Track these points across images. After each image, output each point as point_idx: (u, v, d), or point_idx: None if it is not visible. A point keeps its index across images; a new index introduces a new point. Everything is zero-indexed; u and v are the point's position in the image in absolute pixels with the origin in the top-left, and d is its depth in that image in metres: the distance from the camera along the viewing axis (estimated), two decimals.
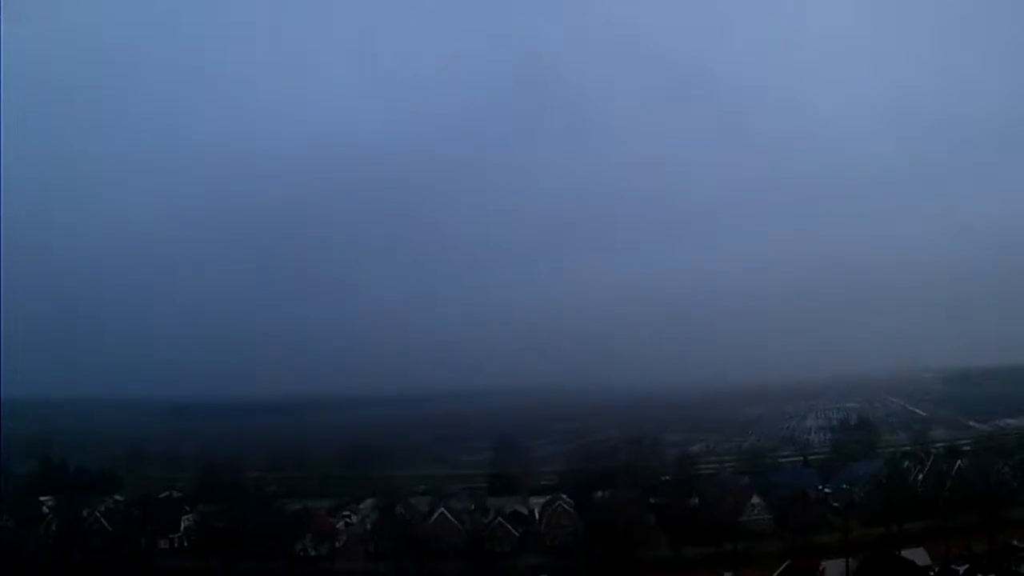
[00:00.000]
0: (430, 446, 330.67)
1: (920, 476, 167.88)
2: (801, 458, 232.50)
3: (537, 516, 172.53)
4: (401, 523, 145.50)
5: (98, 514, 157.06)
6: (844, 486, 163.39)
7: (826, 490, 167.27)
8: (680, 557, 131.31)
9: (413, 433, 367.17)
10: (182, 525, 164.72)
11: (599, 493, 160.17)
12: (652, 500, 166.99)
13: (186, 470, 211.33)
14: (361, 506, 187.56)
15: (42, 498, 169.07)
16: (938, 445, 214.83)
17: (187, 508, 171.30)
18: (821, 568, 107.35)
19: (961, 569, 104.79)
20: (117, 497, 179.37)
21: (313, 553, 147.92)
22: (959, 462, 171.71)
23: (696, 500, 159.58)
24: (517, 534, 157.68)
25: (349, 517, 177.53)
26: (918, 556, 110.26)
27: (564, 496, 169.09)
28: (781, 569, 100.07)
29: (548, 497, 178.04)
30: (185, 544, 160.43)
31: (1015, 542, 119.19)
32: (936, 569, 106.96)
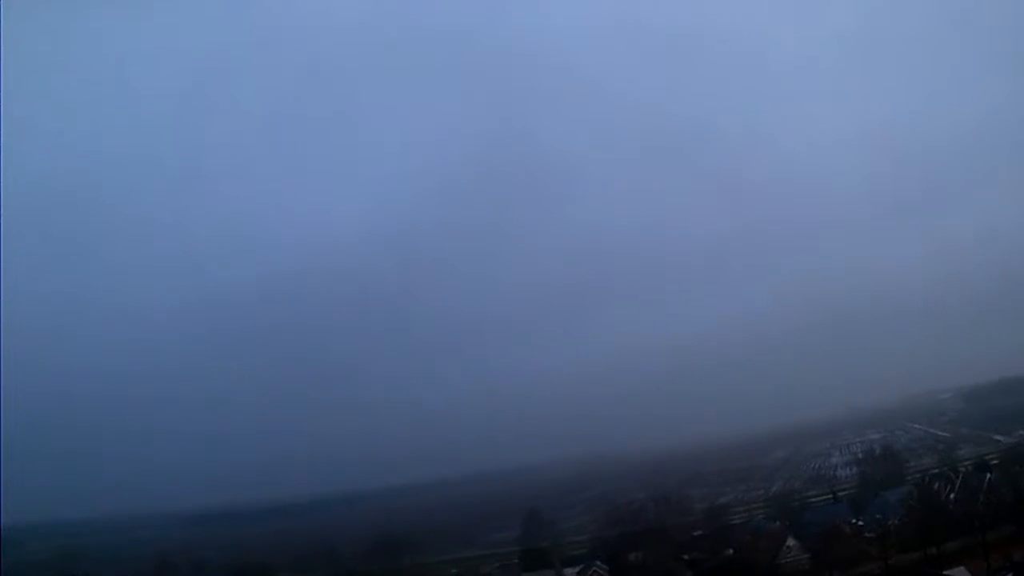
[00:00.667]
0: (458, 529, 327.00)
1: (951, 495, 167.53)
2: (830, 495, 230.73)
3: None
4: None
5: None
6: (877, 516, 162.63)
7: (859, 523, 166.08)
8: None
9: (439, 518, 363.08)
10: None
11: (632, 555, 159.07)
12: (686, 556, 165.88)
13: None
14: None
15: None
16: (966, 463, 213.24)
17: None
18: None
19: None
20: None
21: None
22: (988, 476, 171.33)
23: (730, 550, 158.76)
24: None
25: None
26: (959, 575, 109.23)
27: (598, 562, 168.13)
28: None
29: (582, 566, 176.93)
30: None
31: None
32: None
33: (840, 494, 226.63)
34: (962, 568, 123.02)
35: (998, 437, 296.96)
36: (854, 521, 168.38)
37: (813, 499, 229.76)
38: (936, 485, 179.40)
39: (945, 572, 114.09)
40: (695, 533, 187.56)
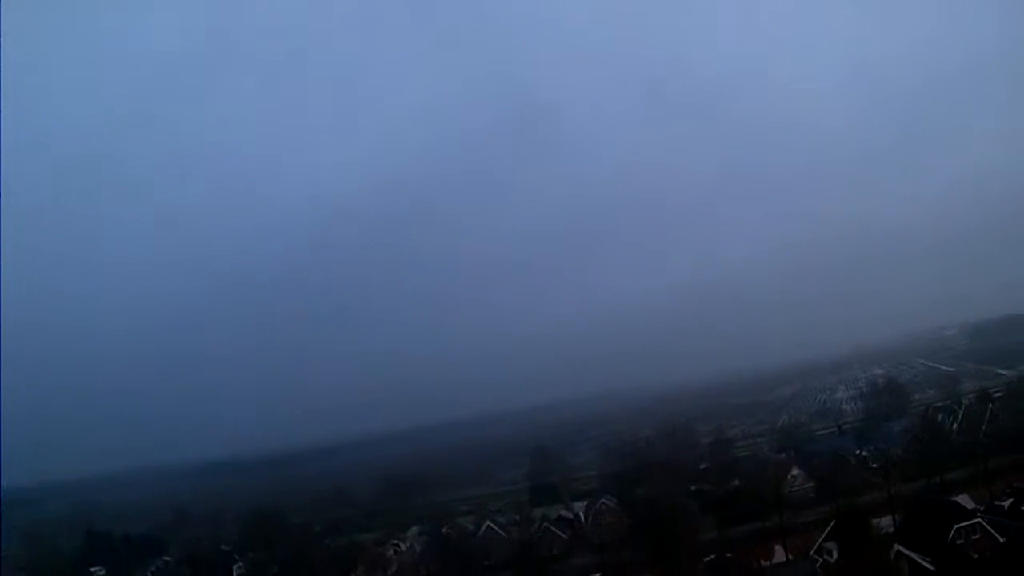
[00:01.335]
0: (468, 469, 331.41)
1: (954, 426, 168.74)
2: (836, 428, 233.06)
3: (583, 518, 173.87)
4: (450, 542, 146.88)
5: (149, 573, 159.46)
6: (881, 447, 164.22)
7: (864, 453, 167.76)
8: (728, 537, 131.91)
9: (450, 459, 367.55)
10: (234, 574, 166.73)
11: (640, 488, 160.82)
12: (693, 487, 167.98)
13: (230, 525, 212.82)
14: (407, 534, 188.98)
15: (92, 568, 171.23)
16: (969, 396, 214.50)
17: (236, 558, 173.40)
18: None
19: (1007, 504, 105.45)
20: (166, 558, 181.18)
21: None
22: (991, 406, 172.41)
23: (736, 481, 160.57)
24: (565, 537, 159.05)
25: (398, 545, 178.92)
26: (962, 502, 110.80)
27: (606, 496, 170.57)
28: (828, 529, 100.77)
29: (590, 500, 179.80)
30: None
31: None
32: (982, 509, 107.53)
33: (845, 427, 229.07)
34: (965, 495, 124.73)
35: (1002, 371, 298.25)
36: (858, 452, 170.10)
37: (819, 432, 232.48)
38: (939, 416, 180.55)
39: (948, 498, 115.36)
40: (701, 466, 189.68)
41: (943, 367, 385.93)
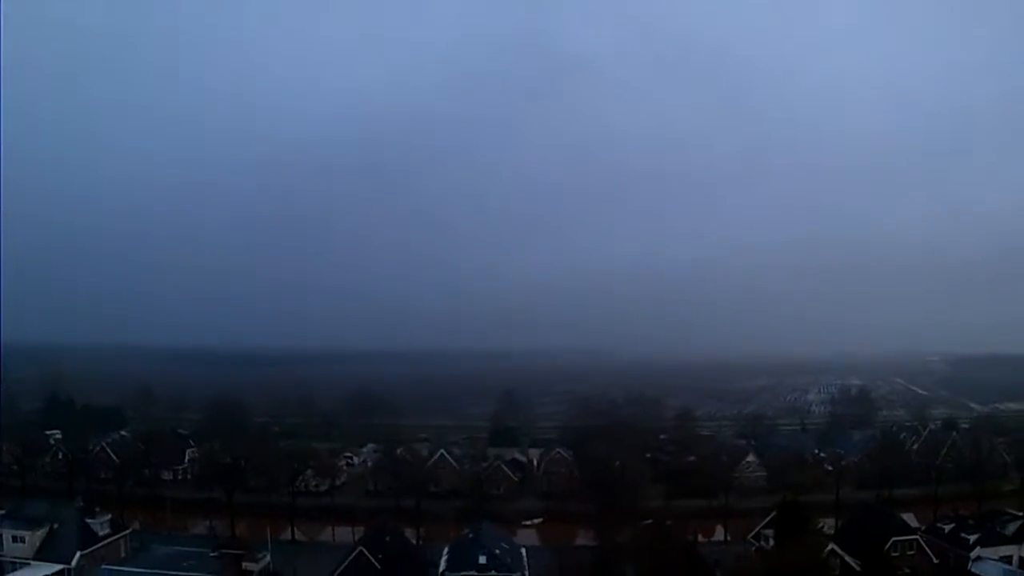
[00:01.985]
0: (435, 399, 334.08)
1: (914, 447, 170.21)
2: (800, 425, 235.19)
3: (536, 464, 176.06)
4: (400, 463, 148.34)
5: (104, 445, 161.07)
6: (839, 451, 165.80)
7: (821, 454, 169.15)
8: (674, 508, 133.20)
9: (419, 387, 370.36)
10: (186, 458, 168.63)
11: (597, 446, 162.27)
12: (649, 455, 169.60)
13: (192, 411, 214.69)
14: (363, 449, 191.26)
15: (48, 431, 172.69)
16: (936, 421, 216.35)
17: (192, 443, 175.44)
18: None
19: (947, 527, 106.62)
20: (123, 432, 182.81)
21: (314, 488, 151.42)
22: (954, 435, 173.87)
23: (692, 457, 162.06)
24: (515, 479, 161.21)
25: (351, 458, 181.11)
26: (907, 519, 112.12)
27: (562, 447, 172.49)
28: (769, 518, 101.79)
29: (547, 448, 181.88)
30: (189, 476, 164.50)
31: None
32: (923, 528, 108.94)
33: (809, 426, 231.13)
34: (911, 514, 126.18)
35: (974, 405, 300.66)
36: (817, 452, 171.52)
37: (783, 426, 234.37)
38: (902, 435, 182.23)
39: (893, 511, 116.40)
40: (662, 436, 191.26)
41: (918, 390, 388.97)
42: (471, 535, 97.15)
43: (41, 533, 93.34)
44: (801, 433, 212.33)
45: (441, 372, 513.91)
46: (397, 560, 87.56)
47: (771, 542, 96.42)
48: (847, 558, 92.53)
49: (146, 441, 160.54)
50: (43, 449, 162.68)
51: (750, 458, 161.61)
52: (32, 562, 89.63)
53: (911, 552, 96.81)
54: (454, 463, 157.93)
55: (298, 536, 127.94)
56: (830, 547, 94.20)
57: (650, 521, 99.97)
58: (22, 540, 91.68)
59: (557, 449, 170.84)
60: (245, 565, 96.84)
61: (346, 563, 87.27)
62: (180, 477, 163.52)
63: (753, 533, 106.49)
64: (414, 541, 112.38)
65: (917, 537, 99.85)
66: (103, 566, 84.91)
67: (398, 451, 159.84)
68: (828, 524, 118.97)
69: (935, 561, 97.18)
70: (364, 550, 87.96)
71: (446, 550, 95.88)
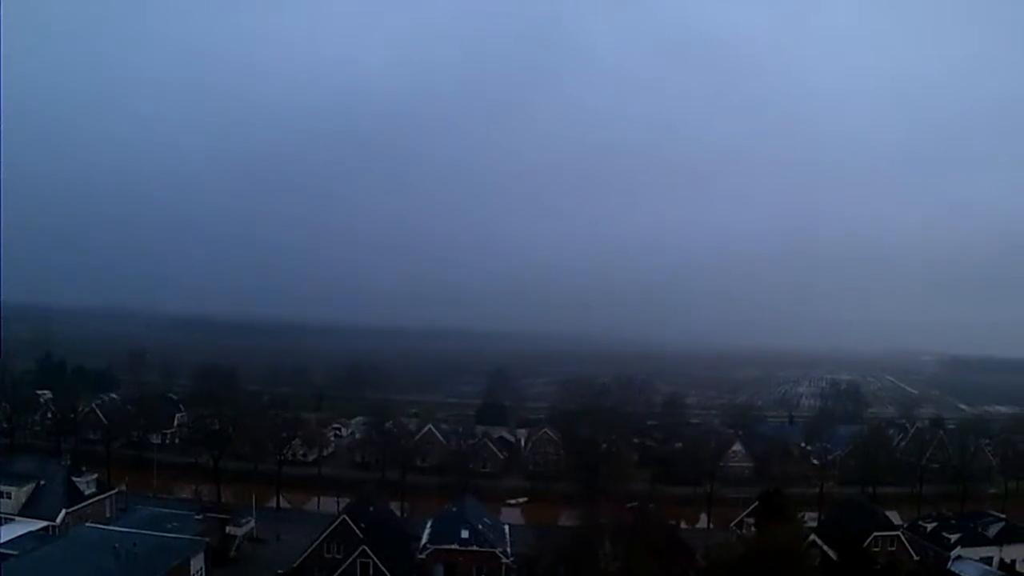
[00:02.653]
0: (426, 376, 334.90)
1: (902, 444, 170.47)
2: (788, 417, 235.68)
3: (523, 443, 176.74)
4: (388, 436, 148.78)
5: (94, 407, 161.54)
6: (826, 445, 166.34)
7: (808, 447, 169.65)
8: (659, 493, 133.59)
9: (411, 363, 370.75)
10: (175, 423, 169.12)
11: (585, 428, 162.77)
12: (637, 440, 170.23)
13: (184, 377, 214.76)
14: (352, 421, 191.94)
15: (39, 391, 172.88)
16: (924, 420, 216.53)
17: (181, 408, 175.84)
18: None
19: (929, 526, 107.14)
20: (113, 395, 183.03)
21: (301, 458, 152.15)
22: (941, 434, 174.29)
23: (679, 444, 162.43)
24: (502, 457, 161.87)
25: (339, 430, 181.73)
26: (890, 516, 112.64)
27: (550, 428, 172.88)
28: (752, 507, 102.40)
29: (534, 428, 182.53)
30: (177, 440, 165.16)
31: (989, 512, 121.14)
32: (905, 526, 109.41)
33: (797, 419, 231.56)
34: (895, 512, 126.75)
35: (963, 406, 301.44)
36: (803, 445, 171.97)
37: (771, 417, 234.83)
38: (890, 431, 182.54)
39: (875, 507, 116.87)
40: (650, 422, 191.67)
41: (908, 388, 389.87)
42: (454, 509, 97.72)
43: (27, 489, 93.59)
44: (789, 425, 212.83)
45: (434, 349, 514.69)
46: (380, 530, 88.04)
47: (753, 530, 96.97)
48: (826, 549, 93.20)
49: (136, 404, 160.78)
50: (33, 408, 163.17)
51: (736, 448, 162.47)
52: (17, 518, 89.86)
53: (892, 548, 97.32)
54: (441, 438, 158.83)
55: (283, 504, 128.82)
56: (811, 537, 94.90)
57: (634, 504, 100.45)
58: (8, 496, 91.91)
59: (545, 429, 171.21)
60: (229, 529, 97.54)
61: (329, 530, 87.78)
62: (168, 441, 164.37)
63: (736, 521, 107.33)
64: (398, 513, 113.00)
65: (898, 534, 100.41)
66: (87, 524, 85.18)
67: (386, 424, 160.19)
68: (811, 517, 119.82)
69: (915, 558, 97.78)
70: (347, 519, 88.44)
71: (429, 523, 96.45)
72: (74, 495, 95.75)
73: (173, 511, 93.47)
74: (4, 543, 76.28)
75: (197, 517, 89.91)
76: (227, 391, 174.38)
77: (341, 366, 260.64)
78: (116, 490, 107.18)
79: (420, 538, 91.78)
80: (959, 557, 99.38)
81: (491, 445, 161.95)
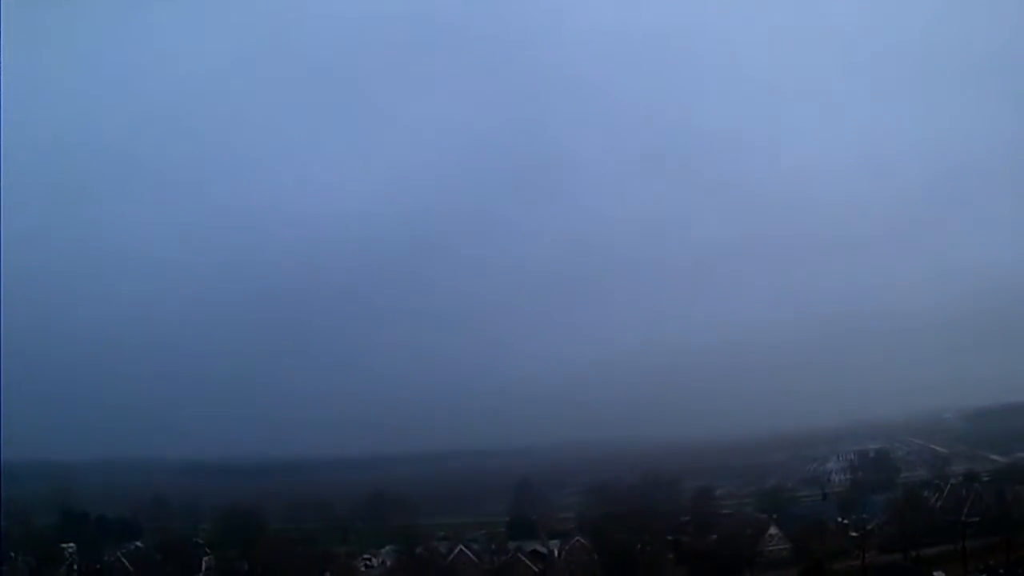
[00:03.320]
0: (450, 498, 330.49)
1: (938, 504, 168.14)
2: (821, 494, 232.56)
3: (556, 554, 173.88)
4: (420, 561, 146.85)
5: (120, 556, 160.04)
6: (862, 515, 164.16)
7: (844, 520, 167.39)
8: None
9: (433, 487, 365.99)
10: (204, 566, 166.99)
11: (617, 532, 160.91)
12: (671, 537, 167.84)
13: (207, 521, 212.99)
14: (382, 551, 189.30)
15: (63, 545, 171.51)
16: (957, 476, 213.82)
17: (208, 552, 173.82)
18: None
19: None
20: (138, 543, 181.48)
21: None
22: (976, 485, 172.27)
23: (714, 535, 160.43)
24: (536, 570, 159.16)
25: (369, 560, 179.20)
26: None
27: (582, 535, 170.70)
28: None
29: (566, 538, 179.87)
30: None
31: None
32: None
33: (829, 494, 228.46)
34: (941, 572, 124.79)
35: (995, 457, 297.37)
36: (839, 519, 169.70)
37: (803, 497, 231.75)
38: (924, 492, 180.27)
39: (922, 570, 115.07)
40: (683, 518, 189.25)
41: (936, 447, 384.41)
42: None
43: None
44: (823, 502, 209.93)
45: (455, 471, 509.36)
46: None
47: None
48: None
49: (162, 551, 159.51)
50: (58, 562, 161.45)
51: (772, 531, 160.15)
52: None
53: None
54: (474, 558, 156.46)
55: None
56: None
57: None
58: None
59: (577, 537, 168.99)
60: None
61: None
62: None
63: None
64: None
65: None
66: None
67: (417, 550, 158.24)
68: None
69: None
70: None
71: None
72: None
73: None
74: None
75: None
76: (252, 531, 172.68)
77: (363, 496, 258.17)
78: None
79: None
80: None
81: (524, 559, 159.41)
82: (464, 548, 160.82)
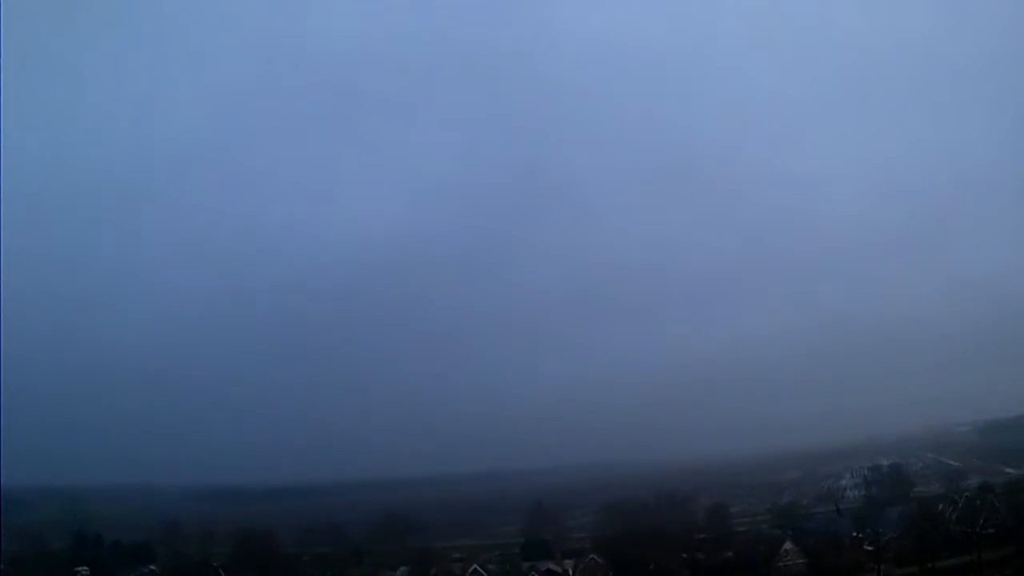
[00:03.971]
0: (464, 519, 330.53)
1: (953, 516, 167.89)
2: (835, 509, 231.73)
3: (571, 573, 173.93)
4: None
5: None
6: (877, 530, 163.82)
7: (859, 535, 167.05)
8: None
9: (447, 509, 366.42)
10: None
11: (632, 551, 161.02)
12: (686, 555, 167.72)
13: (221, 546, 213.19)
14: (396, 573, 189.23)
15: (77, 568, 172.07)
16: (972, 489, 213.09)
17: (223, 575, 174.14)
18: None
19: None
20: (152, 567, 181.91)
21: None
22: (990, 498, 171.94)
23: (729, 553, 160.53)
24: None
25: None
26: None
27: (597, 555, 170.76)
28: None
29: (580, 557, 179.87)
30: None
31: None
32: None
33: (843, 509, 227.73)
34: None
35: (1009, 469, 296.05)
36: (855, 534, 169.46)
37: (818, 513, 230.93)
38: (939, 506, 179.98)
39: None
40: (697, 536, 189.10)
41: (950, 461, 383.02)
42: None
43: None
44: (837, 517, 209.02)
45: (466, 494, 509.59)
46: None
47: None
48: None
49: (176, 574, 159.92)
50: None
51: (787, 546, 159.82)
52: None
53: None
54: None
55: None
56: None
57: None
58: None
59: (592, 556, 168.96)
60: None
61: None
62: None
63: None
64: None
65: None
66: None
67: (431, 572, 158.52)
68: None
69: None
70: None
71: None
72: None
73: None
74: None
75: None
76: (267, 555, 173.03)
77: (377, 519, 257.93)
78: None
79: None
80: None
81: None
82: (479, 569, 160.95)
